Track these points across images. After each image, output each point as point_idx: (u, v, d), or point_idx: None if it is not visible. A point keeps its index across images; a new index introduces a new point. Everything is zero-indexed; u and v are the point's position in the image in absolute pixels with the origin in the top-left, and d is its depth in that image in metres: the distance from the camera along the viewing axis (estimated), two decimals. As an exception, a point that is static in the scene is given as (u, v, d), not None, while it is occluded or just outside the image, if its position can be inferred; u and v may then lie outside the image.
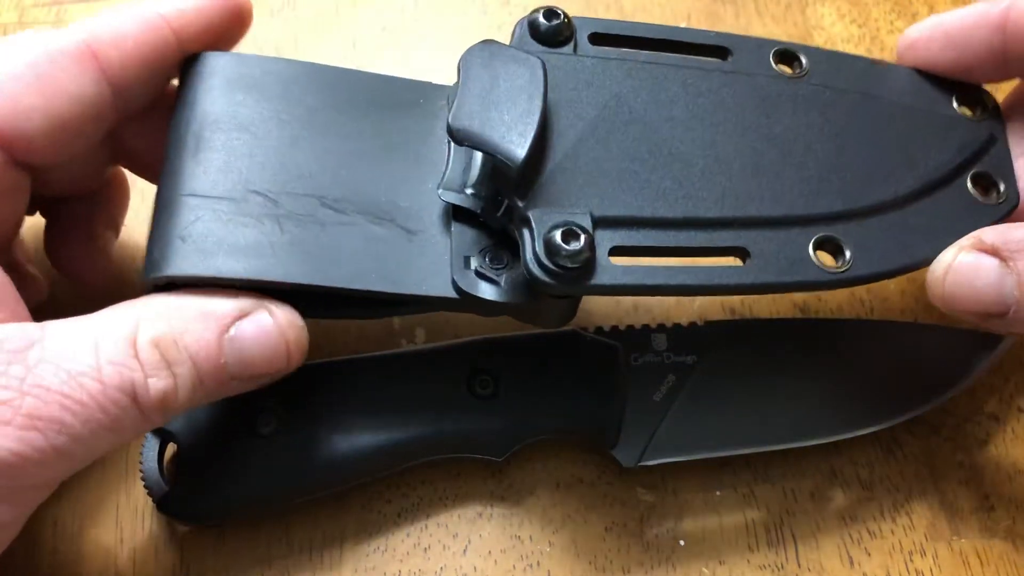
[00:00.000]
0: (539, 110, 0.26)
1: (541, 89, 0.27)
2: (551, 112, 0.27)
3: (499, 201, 0.27)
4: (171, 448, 0.30)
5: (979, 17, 0.30)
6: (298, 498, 0.30)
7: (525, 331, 0.33)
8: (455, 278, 0.27)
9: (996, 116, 0.31)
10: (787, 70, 0.31)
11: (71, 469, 0.24)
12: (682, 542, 0.31)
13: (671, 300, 0.35)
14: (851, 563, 0.31)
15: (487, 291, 0.27)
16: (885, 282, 0.36)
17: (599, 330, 0.32)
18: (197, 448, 0.29)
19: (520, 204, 0.26)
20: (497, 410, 0.30)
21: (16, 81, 0.26)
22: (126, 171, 0.33)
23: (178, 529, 0.30)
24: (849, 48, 0.42)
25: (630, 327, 0.33)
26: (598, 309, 0.35)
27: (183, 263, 0.25)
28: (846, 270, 0.27)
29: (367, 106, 0.29)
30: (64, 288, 0.33)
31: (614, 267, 0.26)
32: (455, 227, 0.28)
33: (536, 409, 0.31)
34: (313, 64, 0.29)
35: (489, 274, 0.27)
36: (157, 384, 0.24)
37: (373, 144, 0.28)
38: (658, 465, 0.31)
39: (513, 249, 0.27)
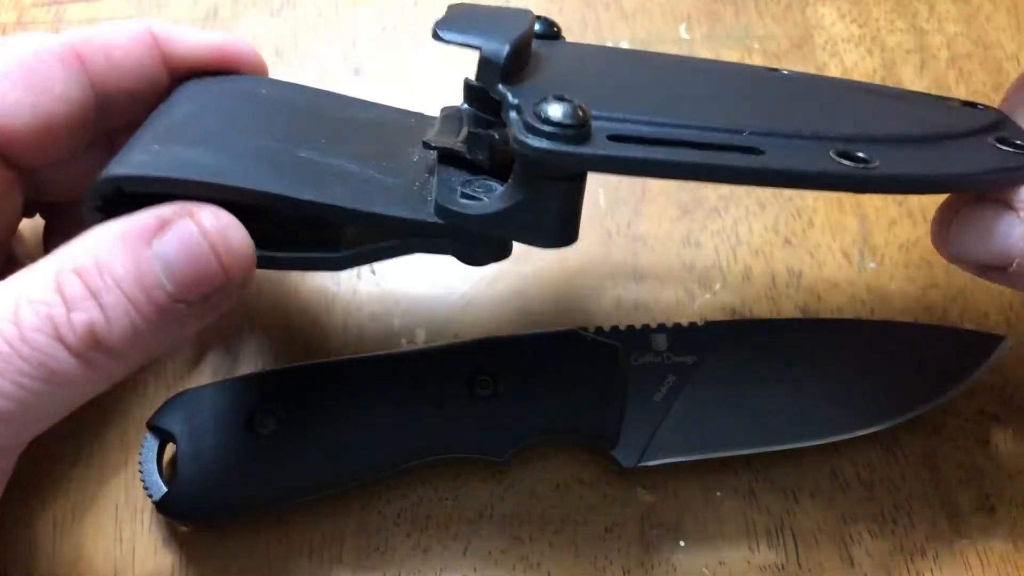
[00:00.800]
0: (527, 23, 0.25)
1: (530, 19, 0.26)
2: (546, 54, 0.26)
3: (486, 133, 0.25)
4: (171, 448, 0.30)
5: None
6: (298, 498, 0.30)
7: (525, 331, 0.33)
8: (439, 200, 0.25)
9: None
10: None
11: (20, 431, 0.23)
12: (682, 542, 0.31)
13: (671, 300, 0.35)
14: (851, 563, 0.31)
15: (473, 207, 0.25)
16: (885, 282, 0.36)
17: (599, 330, 0.32)
18: (197, 448, 0.29)
19: (508, 92, 0.24)
20: (497, 410, 0.30)
21: (3, 79, 0.26)
22: None
23: (178, 529, 0.30)
24: (849, 48, 0.42)
25: (630, 327, 0.32)
26: (598, 309, 0.35)
27: (127, 165, 0.23)
28: (873, 168, 0.24)
29: (360, 119, 0.29)
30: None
31: (611, 144, 0.23)
32: (439, 169, 0.26)
33: (536, 409, 0.31)
34: (311, 88, 0.29)
35: (476, 194, 0.25)
36: (80, 317, 0.21)
37: (361, 135, 0.28)
38: (658, 465, 0.31)
39: (501, 177, 0.25)
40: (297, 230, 0.25)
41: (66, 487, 0.30)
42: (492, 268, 0.36)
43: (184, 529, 0.30)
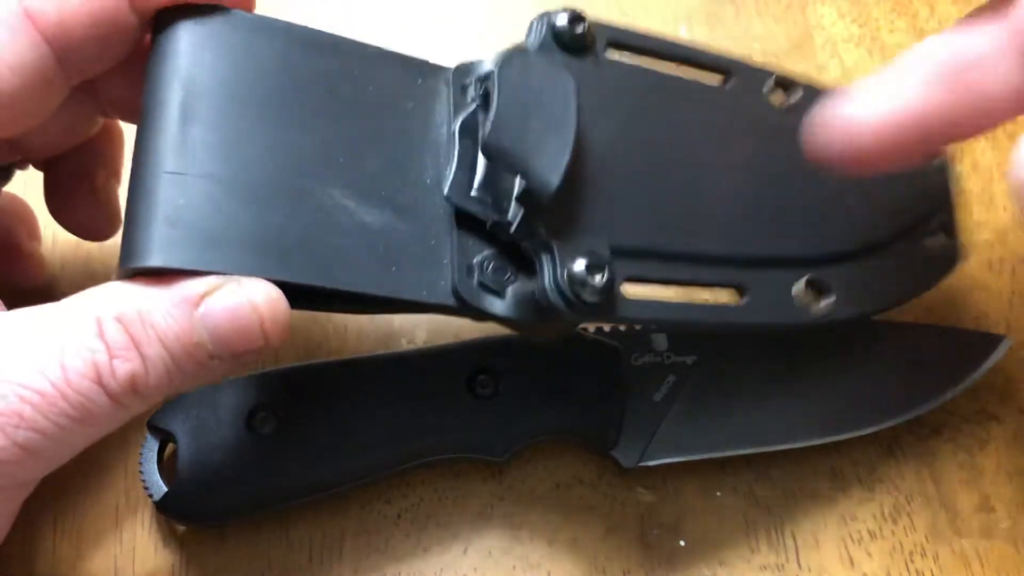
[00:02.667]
0: (572, 135, 0.25)
1: (574, 112, 0.26)
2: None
3: (505, 209, 0.26)
4: (171, 448, 0.30)
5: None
6: (298, 498, 0.30)
7: (525, 331, 0.33)
8: (457, 287, 0.26)
9: (946, 164, 0.33)
10: (780, 99, 0.31)
11: (46, 466, 0.23)
12: (682, 542, 0.31)
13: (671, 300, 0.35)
14: (851, 564, 0.31)
15: (492, 305, 0.26)
16: (885, 282, 0.36)
17: (599, 330, 0.32)
18: (197, 448, 0.29)
19: (542, 229, 0.25)
20: (497, 410, 0.30)
21: None
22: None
23: (178, 529, 0.30)
24: (849, 48, 0.42)
25: (630, 327, 0.32)
26: (598, 309, 0.35)
27: (170, 253, 0.23)
28: (828, 314, 0.29)
29: (363, 81, 0.27)
30: (70, 269, 0.33)
31: (629, 302, 0.26)
32: (457, 233, 0.27)
33: (536, 409, 0.31)
34: (309, 29, 0.27)
35: (493, 286, 0.26)
36: (124, 366, 0.22)
37: (370, 125, 0.27)
38: (658, 465, 0.31)
39: (518, 261, 0.26)
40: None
41: (66, 487, 0.30)
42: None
43: (183, 529, 0.30)
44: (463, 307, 0.26)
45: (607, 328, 0.32)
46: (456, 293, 0.26)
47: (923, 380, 0.33)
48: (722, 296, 0.29)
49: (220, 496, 0.29)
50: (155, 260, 0.23)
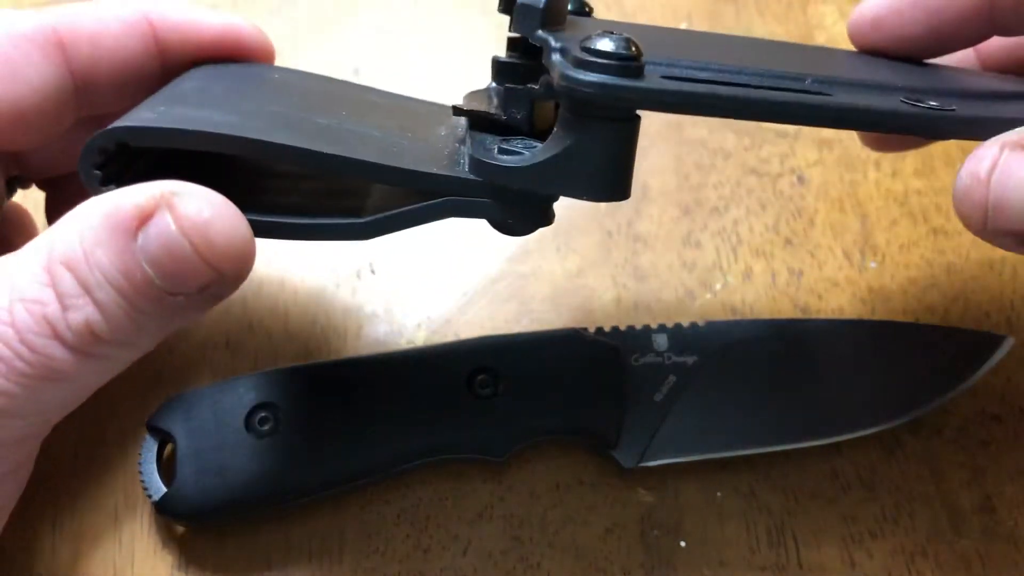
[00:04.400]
0: None
1: None
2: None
3: (525, 88, 0.23)
4: (170, 448, 0.30)
5: None
6: (298, 498, 0.30)
7: (525, 331, 0.33)
8: (474, 155, 0.22)
9: None
10: None
11: (32, 423, 0.22)
12: (683, 543, 0.31)
13: (671, 300, 0.35)
14: (852, 564, 0.31)
15: (515, 160, 0.22)
16: (886, 282, 0.36)
17: (599, 330, 0.32)
18: (196, 448, 0.29)
19: (549, 36, 0.22)
20: (497, 410, 0.30)
21: None
22: None
23: (177, 529, 0.30)
24: (849, 47, 0.41)
25: (631, 327, 0.32)
26: (598, 309, 0.35)
27: (130, 119, 0.21)
28: (952, 108, 0.23)
29: (370, 103, 0.27)
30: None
31: (669, 81, 0.21)
32: (471, 135, 0.24)
33: (536, 409, 0.31)
34: (331, 78, 0.27)
35: (515, 150, 0.23)
36: (76, 316, 0.20)
37: (380, 112, 0.26)
38: (659, 466, 0.31)
39: (539, 137, 0.23)
40: (316, 197, 0.24)
41: (66, 487, 0.30)
42: (492, 268, 0.36)
43: (183, 529, 0.30)
44: (483, 175, 0.22)
45: (607, 328, 0.32)
46: (474, 161, 0.23)
47: (923, 380, 0.33)
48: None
49: (219, 496, 0.29)
50: (116, 124, 0.21)
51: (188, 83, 0.25)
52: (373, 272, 0.35)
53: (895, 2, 0.27)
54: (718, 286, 0.36)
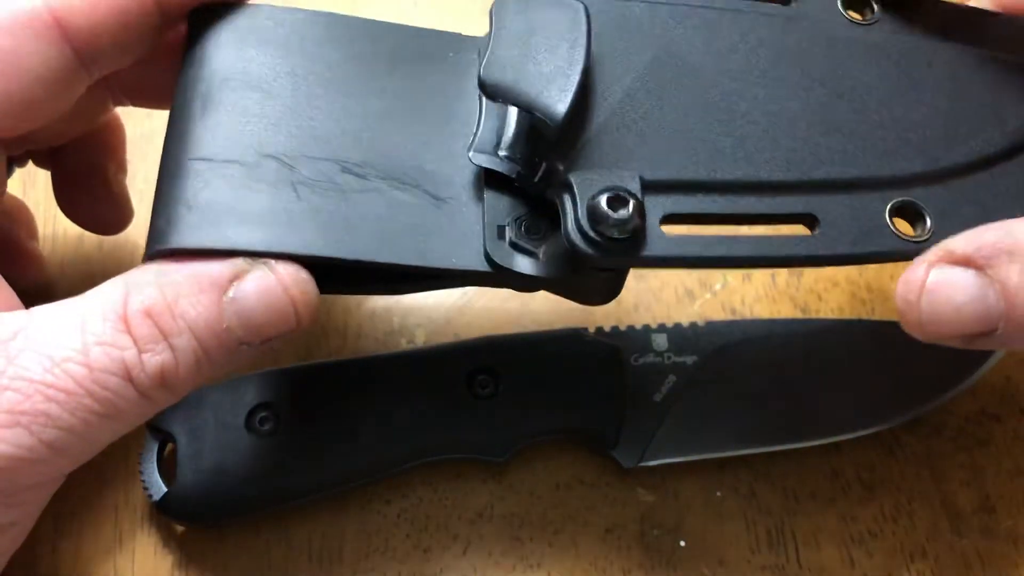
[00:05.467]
0: (582, 60, 0.24)
1: (584, 37, 0.24)
2: (595, 64, 0.25)
3: (536, 164, 0.24)
4: (170, 448, 0.30)
5: None
6: (298, 498, 0.30)
7: (525, 331, 0.33)
8: (488, 250, 0.24)
9: None
10: (856, 16, 0.28)
11: (73, 462, 0.23)
12: (683, 543, 0.31)
13: (671, 300, 0.35)
14: (852, 564, 0.31)
15: (524, 265, 0.24)
16: (886, 282, 0.36)
17: (599, 330, 0.32)
18: (196, 448, 0.29)
19: (560, 167, 0.24)
20: (497, 410, 0.30)
21: None
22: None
23: (177, 529, 0.30)
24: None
25: (631, 327, 0.32)
26: (598, 309, 0.35)
27: (190, 234, 0.23)
28: (927, 239, 0.25)
29: (392, 60, 0.27)
30: (70, 269, 0.33)
31: (666, 237, 0.23)
32: (487, 194, 0.25)
33: (536, 409, 0.31)
34: (334, 15, 0.27)
35: (526, 246, 0.24)
36: (153, 360, 0.22)
37: (398, 103, 0.26)
38: (658, 466, 0.31)
39: (552, 218, 0.24)
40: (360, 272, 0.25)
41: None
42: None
43: (183, 529, 0.30)
44: (496, 271, 0.24)
45: (607, 328, 0.32)
46: (487, 256, 0.24)
47: (923, 380, 0.33)
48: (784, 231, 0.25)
49: (220, 496, 0.29)
50: (178, 241, 0.23)
51: (210, 118, 0.25)
52: (373, 272, 0.35)
53: None
54: (718, 286, 0.36)
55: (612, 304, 0.35)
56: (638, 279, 0.36)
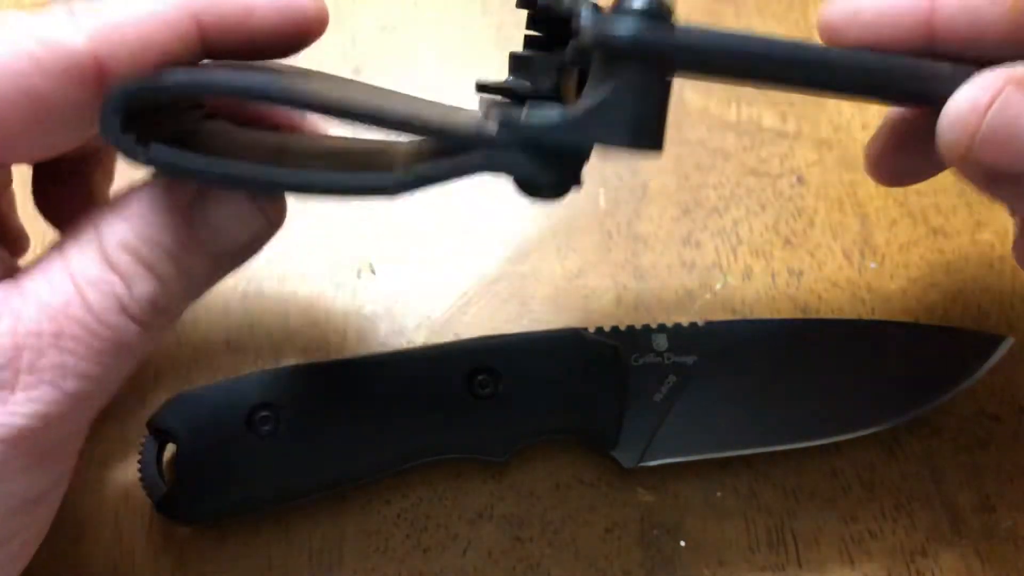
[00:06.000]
0: None
1: None
2: None
3: (552, 57, 0.24)
4: (170, 448, 0.30)
5: (901, 10, 0.26)
6: (298, 498, 0.30)
7: (525, 331, 0.33)
8: (505, 116, 0.22)
9: None
10: None
11: (93, 408, 0.23)
12: (683, 543, 0.31)
13: (671, 300, 0.35)
14: (852, 564, 0.31)
15: (549, 115, 0.22)
16: (886, 282, 0.36)
17: (599, 330, 0.32)
18: (196, 448, 0.29)
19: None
20: (497, 410, 0.30)
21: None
22: None
23: (178, 529, 0.30)
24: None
25: (631, 327, 0.32)
26: (598, 309, 0.35)
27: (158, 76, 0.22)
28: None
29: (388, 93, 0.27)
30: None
31: (703, 33, 0.22)
32: (497, 105, 0.24)
33: (536, 409, 0.31)
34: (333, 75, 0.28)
35: (544, 110, 0.22)
36: (142, 289, 0.22)
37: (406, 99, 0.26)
38: (659, 466, 0.31)
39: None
40: (339, 165, 0.24)
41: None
42: (492, 268, 0.36)
43: (184, 529, 0.30)
44: (514, 133, 0.22)
45: (607, 328, 0.32)
46: (504, 121, 0.22)
47: (923, 380, 0.33)
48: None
49: (220, 496, 0.29)
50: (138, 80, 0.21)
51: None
52: (373, 272, 0.35)
53: (846, 19, 0.26)
54: (718, 286, 0.36)
55: (612, 304, 0.35)
56: (638, 279, 0.36)
